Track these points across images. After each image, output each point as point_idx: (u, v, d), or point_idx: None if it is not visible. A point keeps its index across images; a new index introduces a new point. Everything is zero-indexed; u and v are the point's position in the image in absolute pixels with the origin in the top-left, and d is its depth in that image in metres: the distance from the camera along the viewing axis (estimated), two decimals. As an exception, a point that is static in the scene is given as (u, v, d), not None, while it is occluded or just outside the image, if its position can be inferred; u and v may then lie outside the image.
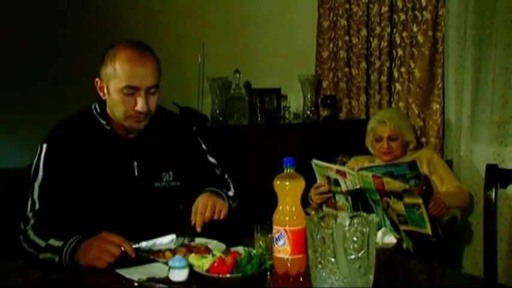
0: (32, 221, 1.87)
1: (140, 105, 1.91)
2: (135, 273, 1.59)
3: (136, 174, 2.02)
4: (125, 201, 1.97)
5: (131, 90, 1.91)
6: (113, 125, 2.02)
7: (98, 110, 2.04)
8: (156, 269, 1.62)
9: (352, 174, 2.53)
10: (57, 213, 1.89)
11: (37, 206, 1.90)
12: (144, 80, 1.91)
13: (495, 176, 2.09)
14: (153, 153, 2.06)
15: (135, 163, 2.02)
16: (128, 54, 1.91)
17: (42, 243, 1.80)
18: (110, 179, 1.98)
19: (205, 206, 1.91)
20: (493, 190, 2.07)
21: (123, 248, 1.68)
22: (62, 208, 1.90)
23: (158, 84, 1.96)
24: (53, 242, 1.78)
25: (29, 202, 1.92)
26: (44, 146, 1.98)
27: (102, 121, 2.03)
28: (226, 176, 2.22)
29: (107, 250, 1.67)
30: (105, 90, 1.97)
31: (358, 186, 2.51)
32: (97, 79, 1.98)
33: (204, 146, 2.22)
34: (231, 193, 2.15)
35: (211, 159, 2.21)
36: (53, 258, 1.76)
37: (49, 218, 1.87)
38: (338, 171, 2.60)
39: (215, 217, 1.91)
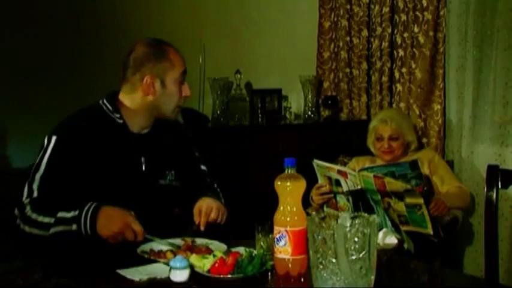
0: (29, 206, 1.85)
1: (187, 89, 2.08)
2: (136, 274, 1.59)
3: (143, 169, 2.04)
4: (129, 195, 1.97)
5: (183, 76, 2.05)
6: (126, 119, 2.03)
7: (108, 105, 2.04)
8: (157, 270, 1.62)
9: (353, 174, 2.53)
10: (57, 200, 1.87)
11: (35, 194, 1.88)
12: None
13: (496, 176, 2.08)
14: (160, 151, 2.09)
15: (143, 158, 2.04)
16: (170, 47, 2.07)
17: (49, 220, 1.80)
18: (117, 171, 1.98)
19: (210, 208, 1.97)
20: (494, 191, 2.07)
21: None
22: (61, 198, 1.88)
23: None
24: (64, 214, 1.79)
25: (25, 190, 1.90)
26: (53, 138, 1.96)
27: (114, 115, 2.03)
28: (215, 186, 2.25)
29: (127, 234, 1.75)
30: (158, 86, 2.01)
31: (359, 187, 2.51)
32: (147, 77, 2.00)
33: (197, 154, 2.25)
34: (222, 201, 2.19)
35: (203, 167, 2.25)
36: (67, 230, 1.77)
37: (49, 200, 1.86)
38: (339, 172, 2.60)
39: (218, 220, 1.97)
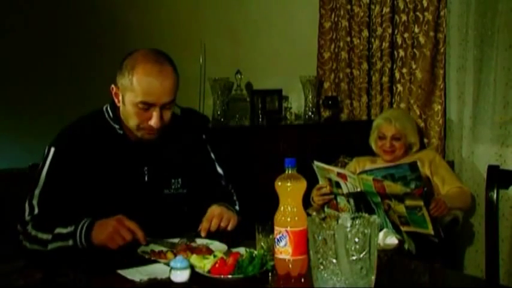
0: (31, 223, 1.87)
1: (154, 121, 1.90)
2: (136, 274, 1.59)
3: (146, 179, 2.01)
4: (133, 206, 1.94)
5: (146, 106, 1.89)
6: (125, 129, 2.00)
7: (110, 113, 2.02)
8: (157, 270, 1.62)
9: (352, 177, 2.53)
10: (58, 216, 1.88)
11: (36, 211, 1.89)
12: (160, 97, 1.89)
13: (497, 177, 2.09)
14: (164, 159, 2.05)
15: (146, 168, 2.01)
16: (146, 69, 1.88)
17: (47, 236, 1.81)
18: (120, 183, 1.96)
19: (213, 215, 1.92)
20: (495, 191, 2.07)
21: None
22: (62, 213, 1.88)
23: (175, 98, 1.94)
24: (61, 230, 1.80)
25: (27, 206, 1.90)
26: (52, 150, 1.95)
27: (114, 125, 2.01)
28: (230, 187, 2.21)
29: (121, 234, 1.73)
30: (120, 98, 1.95)
31: (358, 189, 2.51)
32: (113, 86, 1.96)
33: (212, 155, 2.20)
34: (237, 207, 2.15)
35: (219, 169, 2.20)
36: (64, 245, 1.77)
37: (50, 217, 1.87)
38: (339, 174, 2.60)
39: (222, 224, 1.91)
